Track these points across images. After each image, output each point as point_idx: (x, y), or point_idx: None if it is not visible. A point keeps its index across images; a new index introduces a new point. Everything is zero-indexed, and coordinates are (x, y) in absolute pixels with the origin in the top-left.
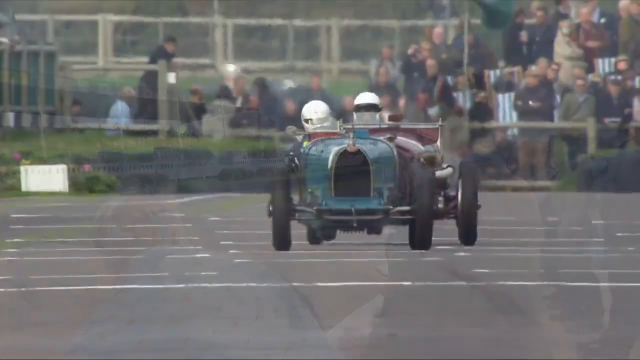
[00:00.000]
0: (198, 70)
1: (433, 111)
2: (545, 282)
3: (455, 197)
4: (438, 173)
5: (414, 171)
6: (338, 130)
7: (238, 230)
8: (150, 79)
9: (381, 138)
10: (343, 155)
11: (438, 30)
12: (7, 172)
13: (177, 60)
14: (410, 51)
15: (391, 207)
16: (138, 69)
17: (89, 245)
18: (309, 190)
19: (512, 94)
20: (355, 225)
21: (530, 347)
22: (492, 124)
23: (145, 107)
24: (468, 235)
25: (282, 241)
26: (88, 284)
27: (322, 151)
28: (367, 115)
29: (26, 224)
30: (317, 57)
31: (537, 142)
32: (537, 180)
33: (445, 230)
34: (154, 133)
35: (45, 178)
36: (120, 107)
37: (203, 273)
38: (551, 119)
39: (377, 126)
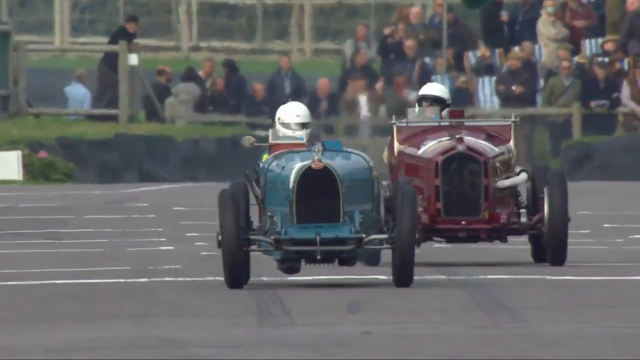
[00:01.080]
0: (161, 52)
1: (412, 95)
2: (528, 276)
3: (535, 208)
4: (512, 180)
5: (394, 189)
6: (305, 141)
7: (204, 221)
8: (110, 61)
9: (355, 151)
10: (307, 172)
11: (415, 9)
12: None
13: (139, 40)
14: (386, 31)
15: (364, 235)
16: (97, 50)
17: (44, 237)
18: (268, 214)
19: (493, 78)
20: (318, 257)
21: (513, 344)
22: (473, 111)
23: (105, 91)
24: (558, 254)
25: (234, 278)
26: (44, 278)
27: (283, 167)
28: (429, 109)
29: None
30: (287, 37)
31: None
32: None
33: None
34: (114, 118)
35: None
36: (77, 91)
37: (167, 267)
38: (534, 104)
39: (437, 123)
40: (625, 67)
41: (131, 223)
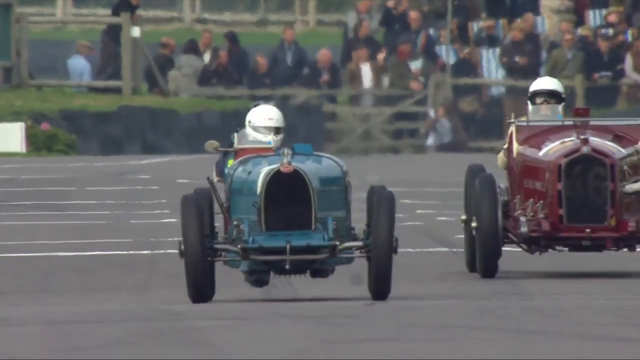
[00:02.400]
0: (164, 24)
1: (415, 65)
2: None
3: None
4: (638, 185)
5: (372, 196)
6: (272, 146)
7: None
8: (113, 33)
9: (327, 155)
10: (275, 177)
11: None
12: None
13: (141, 12)
14: (390, 3)
15: (337, 242)
16: (99, 22)
17: (47, 209)
18: (235, 223)
19: (497, 49)
20: (287, 267)
21: (515, 316)
22: (477, 81)
23: (107, 63)
24: None
25: (197, 290)
26: (46, 250)
27: (249, 173)
28: (544, 107)
29: None
30: (291, 8)
31: (523, 101)
32: None
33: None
34: (117, 90)
35: (0, 137)
36: (79, 63)
37: (170, 239)
38: (537, 76)
39: (560, 123)
40: (629, 38)
41: (134, 195)
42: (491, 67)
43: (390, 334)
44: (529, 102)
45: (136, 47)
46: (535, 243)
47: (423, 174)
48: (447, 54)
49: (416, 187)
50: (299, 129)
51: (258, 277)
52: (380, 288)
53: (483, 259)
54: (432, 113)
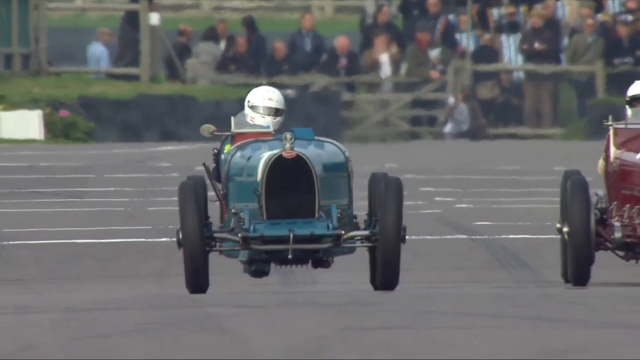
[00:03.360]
0: (182, 11)
1: (434, 54)
2: (550, 235)
3: None
4: None
5: (375, 183)
6: (271, 130)
7: None
8: (132, 20)
9: (329, 140)
10: (277, 163)
11: None
12: None
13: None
14: None
15: (343, 231)
16: (118, 9)
17: (65, 196)
18: (233, 211)
19: (518, 35)
20: (290, 256)
21: (534, 303)
22: (497, 67)
23: (126, 50)
24: None
25: (196, 280)
26: (65, 237)
27: (249, 158)
28: None
29: None
30: None
31: (543, 87)
32: (543, 127)
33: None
34: (135, 77)
35: (19, 124)
36: (98, 50)
37: None
38: (558, 62)
39: None
40: None
41: (152, 182)
42: (511, 53)
43: (407, 321)
44: (627, 107)
45: (154, 35)
46: (630, 249)
47: (441, 161)
48: (468, 41)
49: (434, 175)
50: (317, 116)
51: (258, 267)
52: (388, 279)
53: (574, 265)
54: (451, 100)
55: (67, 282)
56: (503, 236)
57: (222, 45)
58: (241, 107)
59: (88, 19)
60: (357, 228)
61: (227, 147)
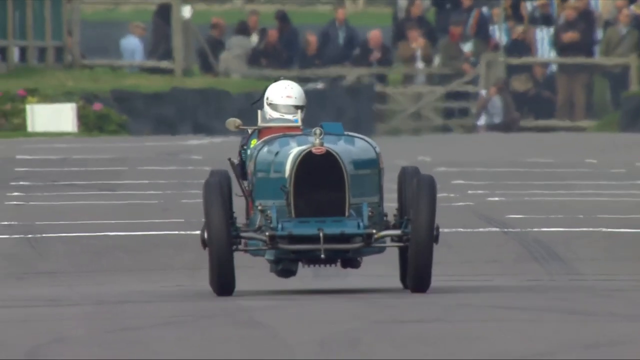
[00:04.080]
0: (214, 4)
1: (467, 47)
2: (583, 228)
3: None
4: None
5: (408, 178)
6: (300, 125)
7: None
8: (164, 13)
9: (359, 135)
10: (306, 159)
11: None
12: (13, 111)
13: None
14: None
15: (374, 230)
16: (151, 3)
17: (98, 189)
18: (259, 208)
19: (551, 28)
20: (322, 256)
21: (567, 296)
22: (530, 60)
23: (159, 44)
24: None
25: (222, 282)
26: (98, 230)
27: (276, 153)
28: None
29: (32, 167)
30: None
31: (576, 79)
32: (576, 119)
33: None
34: (168, 71)
35: (52, 117)
36: (131, 43)
37: None
38: (591, 55)
39: None
40: None
41: (185, 175)
42: (545, 46)
43: (439, 314)
44: None
45: (187, 28)
46: None
47: (474, 154)
48: (500, 33)
49: (467, 167)
50: (349, 109)
51: (285, 266)
52: (420, 280)
53: None
54: (483, 92)
55: (99, 275)
56: (535, 229)
57: (254, 38)
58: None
59: (121, 12)
60: (388, 227)
61: (254, 142)
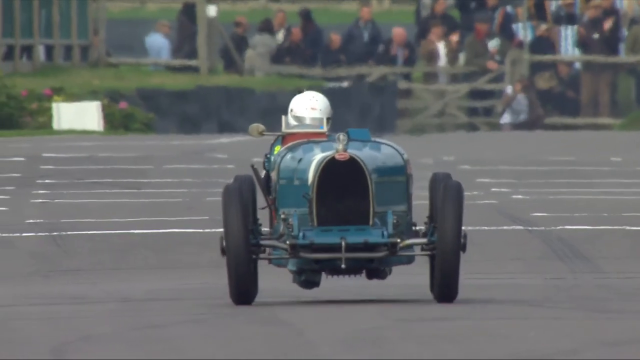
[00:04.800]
0: (239, 3)
1: (492, 44)
2: (607, 227)
3: None
4: None
5: (436, 184)
6: (325, 131)
7: None
8: (189, 12)
9: (386, 141)
10: (329, 165)
11: None
12: (38, 110)
13: None
14: None
15: (399, 240)
16: (177, 1)
17: (123, 187)
18: (282, 216)
19: (575, 27)
20: (343, 266)
21: (591, 294)
22: (555, 58)
23: (184, 42)
24: None
25: (241, 291)
26: (123, 228)
27: (299, 160)
28: None
29: (58, 165)
30: None
31: (601, 77)
32: (601, 117)
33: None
34: (194, 69)
35: (78, 116)
36: (157, 41)
37: None
38: (616, 53)
39: None
40: None
41: (210, 173)
42: (569, 44)
43: (463, 312)
44: None
45: (212, 27)
46: None
47: (498, 152)
48: (525, 31)
49: (491, 165)
50: (373, 107)
51: (308, 277)
52: (446, 290)
53: None
54: (508, 90)
55: (124, 272)
56: (559, 227)
57: (280, 36)
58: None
59: (146, 11)
60: (417, 235)
61: (278, 149)
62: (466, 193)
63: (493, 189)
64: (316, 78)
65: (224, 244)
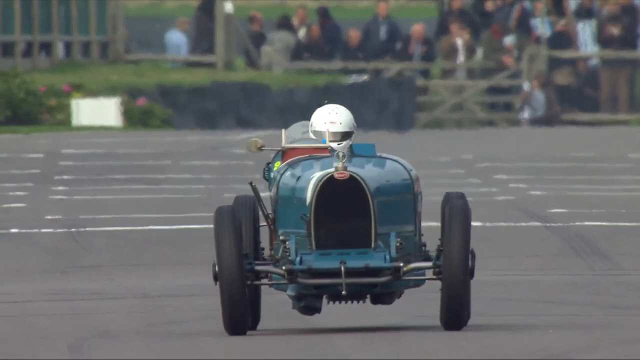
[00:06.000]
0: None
1: (509, 40)
2: (625, 223)
3: None
4: None
5: (444, 205)
6: (328, 145)
7: None
8: (207, 8)
9: (393, 157)
10: (327, 184)
11: None
12: (57, 106)
13: None
14: None
15: (402, 263)
16: None
17: (142, 183)
18: (281, 238)
19: (593, 22)
20: (343, 292)
21: (609, 291)
22: (573, 54)
23: (202, 38)
24: None
25: (235, 320)
26: (141, 224)
27: (298, 178)
28: None
29: (77, 161)
30: None
31: (620, 73)
32: (619, 113)
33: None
34: (211, 65)
35: (97, 112)
36: (176, 37)
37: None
38: (634, 48)
39: None
40: None
41: (228, 169)
42: (587, 39)
43: (481, 309)
44: None
45: (229, 23)
46: None
47: (516, 148)
48: (543, 27)
49: (509, 162)
50: (391, 102)
51: (308, 303)
52: (453, 318)
53: None
54: (526, 86)
55: (142, 268)
56: (577, 223)
57: (301, 33)
58: (314, 95)
59: (164, 7)
60: (426, 258)
61: (278, 165)
62: (484, 189)
63: (511, 185)
64: (334, 72)
65: (216, 269)
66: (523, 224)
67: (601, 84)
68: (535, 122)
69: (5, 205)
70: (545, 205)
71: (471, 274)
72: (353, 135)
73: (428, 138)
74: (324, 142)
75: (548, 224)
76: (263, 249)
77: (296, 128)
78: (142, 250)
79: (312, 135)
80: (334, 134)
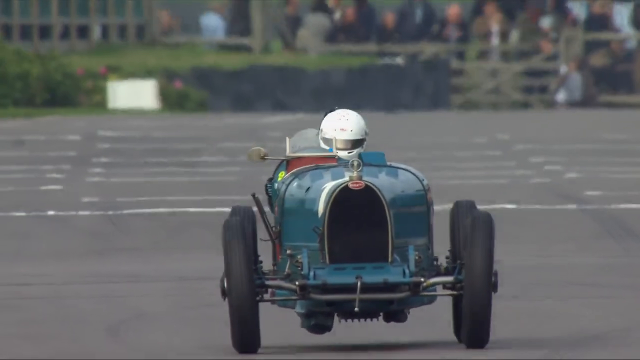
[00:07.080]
0: None
1: (546, 23)
2: None
3: None
4: None
5: (462, 214)
6: (335, 154)
7: None
8: None
9: (403, 166)
10: (342, 195)
11: None
12: (94, 88)
13: None
14: None
15: (422, 278)
16: None
17: (179, 165)
18: (288, 252)
19: (630, 3)
20: (356, 309)
21: None
22: (610, 36)
23: (237, 21)
24: None
25: (245, 338)
26: (177, 206)
27: (308, 189)
28: None
29: (113, 143)
30: None
31: None
32: None
33: None
34: (248, 48)
35: (133, 95)
36: (212, 20)
37: None
38: None
39: None
40: None
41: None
42: (624, 21)
43: (516, 291)
44: None
45: (266, 5)
46: None
47: (552, 131)
48: (579, 9)
49: (545, 144)
50: (426, 84)
51: (318, 321)
52: (476, 336)
53: None
54: (563, 68)
55: (178, 251)
56: (613, 206)
57: (337, 15)
58: (349, 78)
59: None
60: (440, 272)
61: (282, 175)
62: (520, 172)
63: (546, 167)
64: (370, 54)
65: (225, 285)
66: (558, 206)
67: (637, 66)
68: (571, 104)
69: (42, 188)
70: (581, 187)
71: (494, 288)
72: (365, 142)
73: (462, 118)
74: (331, 150)
75: (583, 207)
76: (261, 261)
77: (301, 136)
78: (178, 233)
79: (322, 143)
80: (345, 141)
